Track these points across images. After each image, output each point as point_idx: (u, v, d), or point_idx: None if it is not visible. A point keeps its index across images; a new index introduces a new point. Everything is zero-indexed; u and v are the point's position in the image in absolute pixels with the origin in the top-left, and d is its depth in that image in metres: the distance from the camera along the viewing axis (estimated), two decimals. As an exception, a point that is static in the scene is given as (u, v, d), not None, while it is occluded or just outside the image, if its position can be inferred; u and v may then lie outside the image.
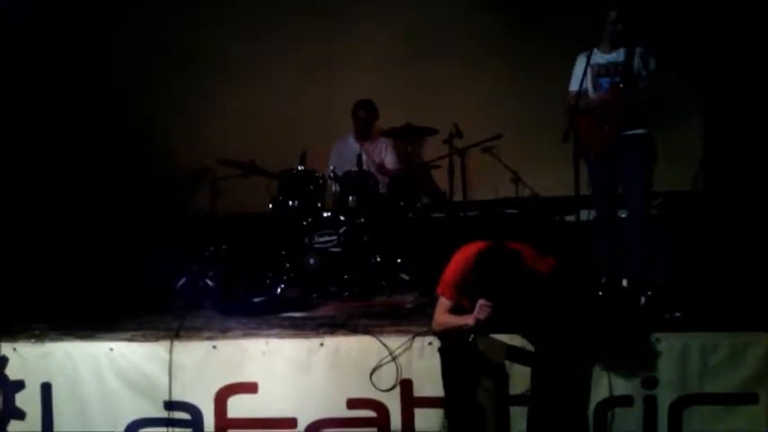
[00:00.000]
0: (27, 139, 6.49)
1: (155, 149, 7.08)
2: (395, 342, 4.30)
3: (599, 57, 5.08)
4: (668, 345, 4.19)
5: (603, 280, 5.02)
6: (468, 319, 3.95)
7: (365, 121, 6.62)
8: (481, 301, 3.87)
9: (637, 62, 5.03)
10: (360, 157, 6.29)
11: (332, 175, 6.15)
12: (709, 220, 5.98)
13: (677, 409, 4.16)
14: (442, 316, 4.12)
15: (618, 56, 5.06)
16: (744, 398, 4.15)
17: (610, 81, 5.06)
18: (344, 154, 6.55)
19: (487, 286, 3.86)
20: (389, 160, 6.59)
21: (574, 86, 5.17)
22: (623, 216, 5.19)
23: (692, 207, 6.13)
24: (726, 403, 4.16)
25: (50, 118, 6.75)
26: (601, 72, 5.07)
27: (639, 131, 5.01)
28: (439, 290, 4.14)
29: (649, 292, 4.80)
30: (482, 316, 3.87)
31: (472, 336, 3.86)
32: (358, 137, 6.66)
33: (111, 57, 7.27)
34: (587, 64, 5.01)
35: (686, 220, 6.04)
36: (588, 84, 5.10)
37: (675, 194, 6.27)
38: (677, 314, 4.54)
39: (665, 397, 4.17)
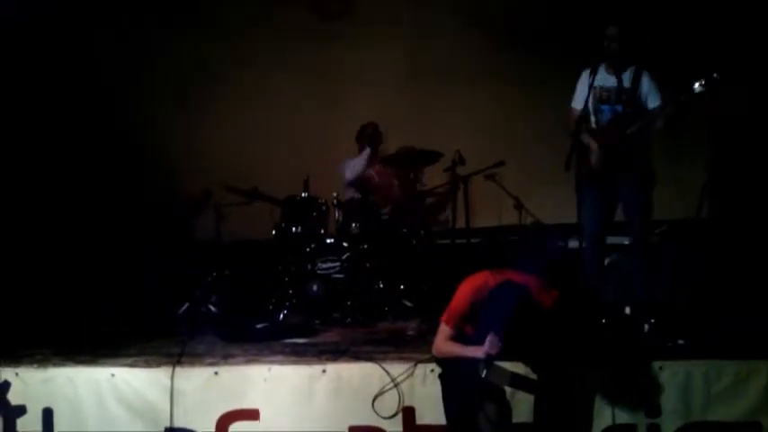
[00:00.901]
0: (26, 160, 6.53)
1: (159, 176, 7.12)
2: (397, 369, 4.29)
3: (603, 78, 4.96)
4: (671, 373, 4.18)
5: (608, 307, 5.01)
6: (478, 352, 3.91)
7: (374, 138, 6.61)
8: (491, 337, 3.86)
9: (644, 88, 4.95)
10: (364, 182, 6.31)
11: (335, 201, 6.17)
12: (713, 248, 5.97)
13: (681, 437, 4.14)
14: (446, 344, 4.09)
15: (623, 80, 4.97)
16: (747, 427, 4.13)
17: (611, 109, 4.99)
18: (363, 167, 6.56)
19: (497, 321, 3.85)
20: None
21: (577, 104, 5.09)
22: (626, 243, 5.19)
23: (695, 235, 6.12)
24: (729, 432, 4.13)
25: (52, 146, 6.79)
26: (603, 97, 4.98)
27: (638, 160, 4.97)
28: (443, 318, 4.12)
29: (652, 320, 4.78)
30: (493, 351, 3.85)
31: (485, 371, 3.84)
32: (369, 157, 6.64)
33: (114, 84, 7.31)
34: (591, 84, 4.94)
35: (689, 247, 6.04)
36: (590, 106, 5.01)
37: (679, 222, 6.27)
38: (680, 341, 4.53)
39: (669, 425, 4.15)
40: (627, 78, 4.98)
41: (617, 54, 4.95)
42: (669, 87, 5.00)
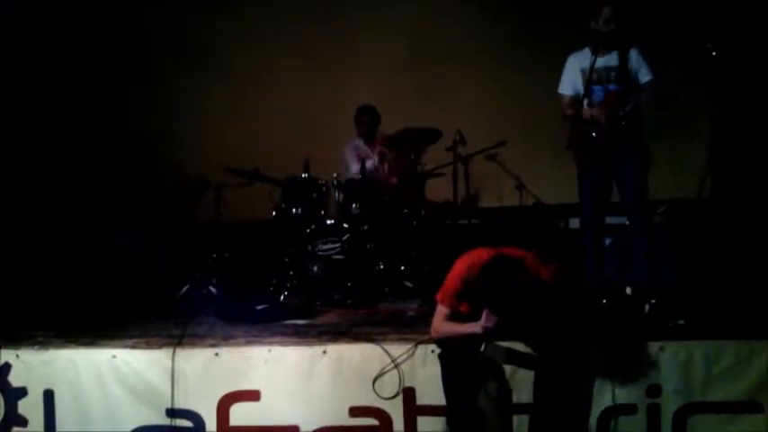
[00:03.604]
0: (31, 142, 6.52)
1: (158, 157, 7.12)
2: (398, 350, 4.29)
3: (591, 60, 4.90)
4: (672, 353, 4.18)
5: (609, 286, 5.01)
6: (476, 328, 3.92)
7: (369, 125, 6.62)
8: (487, 311, 3.86)
9: (633, 63, 4.91)
10: (363, 162, 6.29)
11: (335, 182, 6.15)
12: (714, 228, 5.95)
13: (681, 417, 4.14)
14: (443, 324, 4.11)
15: (611, 59, 4.93)
16: (748, 406, 4.13)
17: (603, 89, 4.95)
18: (360, 155, 6.54)
19: (491, 296, 3.84)
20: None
21: (565, 90, 5.09)
22: (627, 223, 5.18)
23: (696, 215, 6.10)
24: (730, 412, 4.14)
25: (55, 124, 6.79)
26: (593, 78, 4.92)
27: (633, 139, 4.94)
28: (438, 297, 4.13)
29: (653, 300, 4.77)
30: (490, 324, 3.85)
31: (484, 345, 3.84)
32: (366, 142, 6.66)
33: (113, 65, 7.30)
34: (580, 67, 4.94)
35: (691, 227, 6.02)
36: (580, 89, 5.00)
37: (680, 202, 6.25)
38: (681, 322, 4.52)
39: (669, 405, 4.15)
40: (615, 56, 4.94)
41: (611, 35, 4.89)
42: (659, 62, 4.96)
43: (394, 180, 6.46)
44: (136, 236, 6.24)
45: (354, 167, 6.42)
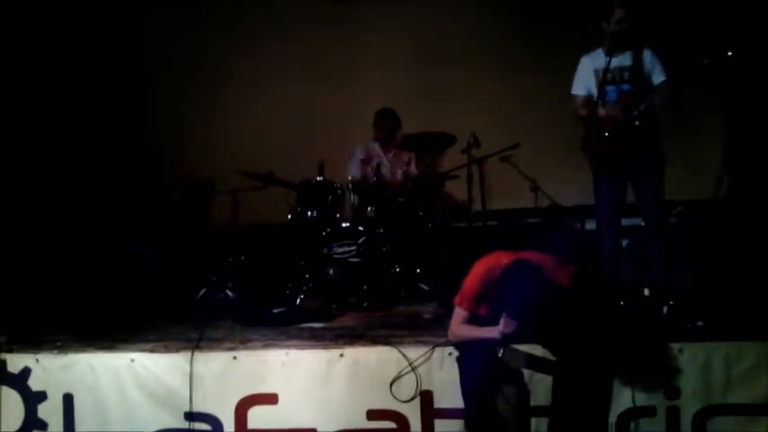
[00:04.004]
0: (49, 147, 6.56)
1: (174, 161, 7.14)
2: (415, 353, 4.29)
3: (605, 60, 4.90)
4: (691, 354, 4.16)
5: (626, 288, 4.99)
6: (494, 332, 3.91)
7: (388, 129, 6.61)
8: (505, 316, 3.84)
9: (647, 64, 4.90)
10: (378, 166, 6.29)
11: (350, 185, 6.15)
12: (731, 229, 5.92)
13: (700, 419, 4.13)
14: (461, 327, 4.10)
15: (624, 59, 4.93)
16: (768, 409, 4.10)
17: (616, 89, 4.94)
18: (371, 160, 6.53)
19: (511, 301, 3.84)
20: (414, 171, 6.56)
21: (579, 90, 5.09)
22: (644, 225, 5.16)
23: (713, 216, 6.07)
24: (750, 414, 4.12)
25: (69, 130, 6.82)
26: (607, 78, 4.91)
27: (648, 140, 4.92)
28: (456, 300, 4.12)
29: (671, 302, 4.75)
30: (508, 330, 3.84)
31: (501, 350, 3.83)
32: (381, 145, 6.65)
33: (128, 69, 7.33)
34: (594, 68, 4.94)
35: (707, 228, 5.99)
36: (593, 90, 5.00)
37: (696, 203, 6.23)
38: (700, 323, 4.49)
39: (689, 408, 4.14)
40: (629, 57, 4.94)
41: (624, 36, 4.89)
42: (673, 63, 4.95)
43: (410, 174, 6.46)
44: (152, 243, 6.26)
45: (353, 171, 6.40)
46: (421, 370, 4.27)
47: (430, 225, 6.19)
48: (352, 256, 5.93)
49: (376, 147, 6.67)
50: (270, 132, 7.30)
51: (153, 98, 7.38)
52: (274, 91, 7.39)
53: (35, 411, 4.47)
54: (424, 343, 4.36)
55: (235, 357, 4.42)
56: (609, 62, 4.89)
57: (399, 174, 6.52)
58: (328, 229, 6.00)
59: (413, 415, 4.27)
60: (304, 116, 7.34)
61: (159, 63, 7.38)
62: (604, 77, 4.91)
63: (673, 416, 4.14)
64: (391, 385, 4.27)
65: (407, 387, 4.28)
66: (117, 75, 7.29)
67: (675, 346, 4.18)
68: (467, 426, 4.10)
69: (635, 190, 5.01)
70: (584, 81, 5.10)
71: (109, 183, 6.99)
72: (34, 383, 4.49)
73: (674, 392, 4.15)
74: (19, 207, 6.10)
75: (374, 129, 6.66)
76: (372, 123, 6.66)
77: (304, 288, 5.80)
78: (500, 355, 3.81)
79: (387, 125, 6.60)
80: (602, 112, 4.94)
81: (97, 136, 7.02)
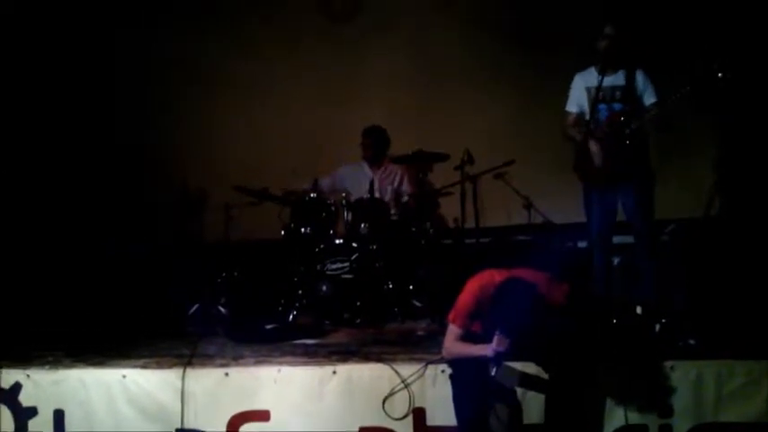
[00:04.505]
0: (49, 147, 6.54)
1: (167, 176, 7.12)
2: (407, 370, 4.29)
3: (597, 78, 4.95)
4: (683, 372, 4.17)
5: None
6: (487, 350, 3.91)
7: (373, 148, 6.60)
8: (499, 334, 3.84)
9: (640, 85, 4.94)
10: (372, 183, 6.30)
11: (344, 202, 6.16)
12: (723, 247, 5.95)
13: (692, 438, 4.12)
14: (455, 344, 4.09)
15: (617, 78, 4.98)
16: (760, 428, 4.11)
17: (607, 108, 4.98)
18: (358, 179, 6.54)
19: (504, 320, 3.84)
20: (405, 189, 6.56)
21: (571, 108, 5.14)
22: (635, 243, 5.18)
23: (705, 234, 6.10)
24: (741, 433, 4.12)
25: (62, 137, 6.82)
26: (598, 97, 4.95)
27: (638, 159, 4.96)
28: (450, 317, 4.12)
29: (664, 320, 4.77)
30: (502, 348, 3.84)
31: (495, 369, 3.83)
32: (370, 164, 6.66)
33: (124, 83, 7.34)
34: (586, 86, 4.99)
35: (699, 247, 6.02)
36: (585, 108, 5.04)
37: (688, 221, 6.25)
38: (692, 341, 4.51)
39: (681, 426, 4.14)
40: (621, 76, 4.99)
41: (614, 53, 4.94)
42: (664, 86, 4.99)
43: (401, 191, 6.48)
44: (145, 255, 6.25)
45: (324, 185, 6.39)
46: (414, 387, 4.27)
47: (423, 242, 6.19)
48: (346, 273, 5.93)
49: (364, 167, 6.66)
50: (264, 148, 7.30)
51: (149, 113, 7.37)
52: (270, 108, 7.40)
53: (26, 427, 4.46)
54: (417, 360, 4.37)
55: (227, 374, 4.41)
56: (601, 80, 4.94)
57: (389, 192, 6.52)
58: (322, 246, 6.01)
59: (406, 432, 4.25)
60: (299, 132, 7.35)
61: (157, 78, 7.39)
62: (596, 96, 4.95)
63: (665, 434, 4.13)
64: (384, 402, 4.27)
65: (400, 404, 4.27)
66: (117, 79, 7.30)
67: (668, 363, 4.19)
68: (459, 443, 4.09)
69: (625, 208, 5.04)
70: (576, 99, 5.15)
71: (100, 194, 6.97)
72: (25, 399, 4.47)
73: (666, 411, 4.15)
74: (14, 208, 6.11)
75: (362, 148, 6.62)
76: (360, 143, 6.65)
77: (297, 304, 5.81)
78: (493, 373, 3.80)
79: (372, 144, 6.56)
80: (593, 147, 4.94)
81: (84, 149, 6.99)
